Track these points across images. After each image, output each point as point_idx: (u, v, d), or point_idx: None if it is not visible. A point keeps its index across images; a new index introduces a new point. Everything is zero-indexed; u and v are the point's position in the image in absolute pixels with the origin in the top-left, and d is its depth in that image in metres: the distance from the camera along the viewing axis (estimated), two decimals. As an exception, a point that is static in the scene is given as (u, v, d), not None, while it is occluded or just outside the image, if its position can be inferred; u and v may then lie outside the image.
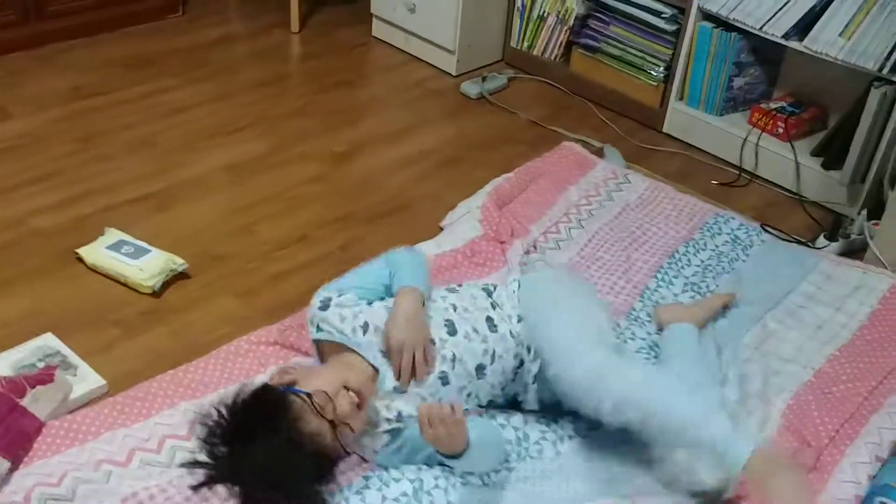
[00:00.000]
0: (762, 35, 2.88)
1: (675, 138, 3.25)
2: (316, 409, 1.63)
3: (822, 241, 2.66)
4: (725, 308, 2.31)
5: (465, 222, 2.58)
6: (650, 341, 2.20)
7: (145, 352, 2.14)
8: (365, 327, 1.83)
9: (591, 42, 3.41)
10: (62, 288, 2.32)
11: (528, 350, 1.89)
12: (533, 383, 1.88)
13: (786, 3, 2.83)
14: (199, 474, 1.62)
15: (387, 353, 1.80)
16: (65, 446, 1.79)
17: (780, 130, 2.99)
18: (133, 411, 1.89)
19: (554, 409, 1.95)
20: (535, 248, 2.50)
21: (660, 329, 2.21)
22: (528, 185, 2.77)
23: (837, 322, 2.31)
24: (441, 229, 2.62)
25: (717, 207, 2.74)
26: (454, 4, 3.43)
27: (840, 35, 2.70)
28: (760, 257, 2.54)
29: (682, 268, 2.48)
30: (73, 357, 2.06)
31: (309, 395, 1.64)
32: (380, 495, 1.72)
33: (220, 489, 1.66)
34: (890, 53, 2.62)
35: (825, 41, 2.73)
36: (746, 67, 3.08)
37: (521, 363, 1.91)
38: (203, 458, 1.61)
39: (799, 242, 2.66)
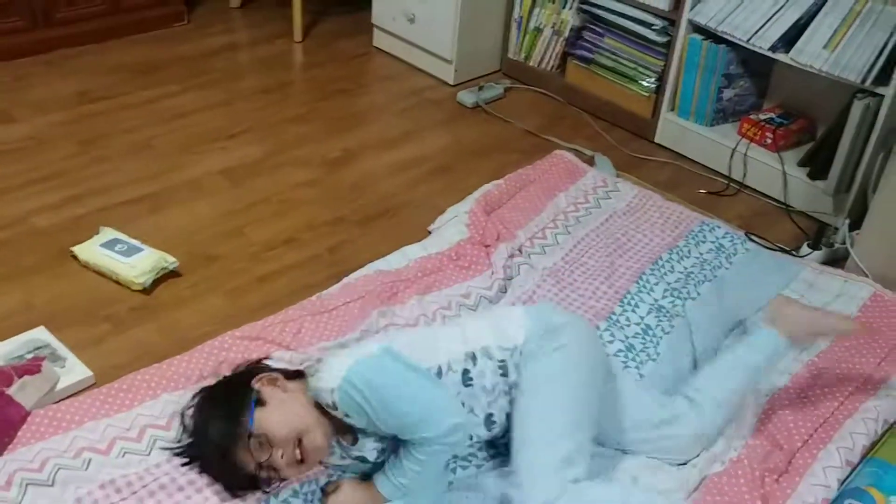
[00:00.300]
0: (750, 47, 2.92)
1: (667, 148, 3.29)
2: (249, 447, 1.63)
3: (805, 249, 2.69)
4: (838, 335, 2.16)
5: (452, 226, 2.63)
6: (627, 344, 2.24)
7: (133, 346, 2.20)
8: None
9: (585, 53, 3.46)
10: (56, 284, 2.39)
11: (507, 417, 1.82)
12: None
13: (772, 16, 2.87)
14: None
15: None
16: (48, 434, 1.84)
17: (769, 141, 3.03)
18: (116, 402, 1.93)
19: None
20: (520, 252, 2.54)
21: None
22: (518, 192, 2.82)
23: (817, 329, 2.34)
24: (429, 233, 2.67)
25: (703, 216, 2.77)
26: (452, 16, 3.49)
27: (824, 47, 2.74)
28: (744, 265, 2.56)
29: (665, 274, 2.51)
30: (62, 349, 2.12)
31: (250, 434, 1.63)
32: None
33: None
34: (872, 65, 2.65)
35: (810, 53, 2.77)
36: (736, 79, 3.12)
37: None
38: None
39: (783, 251, 2.69)
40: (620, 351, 2.22)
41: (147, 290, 2.38)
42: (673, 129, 3.26)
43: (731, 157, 3.08)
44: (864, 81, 2.67)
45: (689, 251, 2.61)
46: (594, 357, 1.88)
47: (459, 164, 3.13)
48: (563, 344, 1.80)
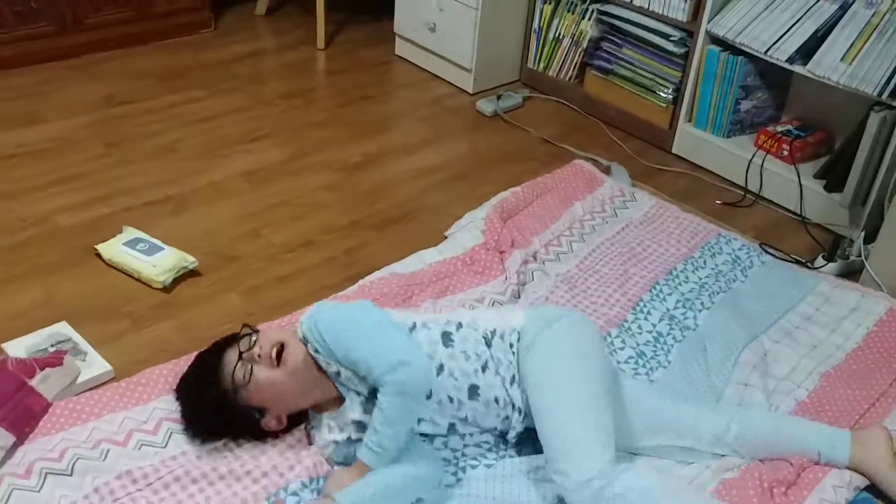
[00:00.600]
0: (767, 59, 2.94)
1: (684, 159, 3.31)
2: (238, 342, 1.82)
3: (820, 261, 2.69)
4: None
5: (467, 231, 2.66)
6: (638, 350, 2.26)
7: (152, 342, 2.25)
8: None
9: (604, 64, 3.49)
10: (80, 281, 2.44)
11: (519, 412, 1.88)
12: (514, 435, 1.92)
13: (790, 29, 2.88)
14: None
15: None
16: (68, 425, 1.89)
17: (786, 153, 3.04)
18: (135, 395, 1.98)
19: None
20: (534, 258, 2.56)
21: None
22: (535, 200, 2.85)
23: (833, 343, 2.34)
24: (445, 238, 2.71)
25: (720, 227, 2.78)
26: (472, 25, 3.53)
27: (841, 60, 2.75)
28: (759, 278, 2.57)
29: (679, 284, 2.52)
30: (83, 344, 2.17)
31: (244, 326, 1.88)
32: None
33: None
34: (889, 78, 2.66)
35: (828, 66, 2.78)
36: (754, 91, 3.14)
37: (507, 417, 1.90)
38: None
39: (798, 262, 2.70)
40: (631, 358, 2.24)
41: (167, 289, 2.43)
42: (690, 140, 3.28)
43: (748, 168, 3.09)
44: (881, 94, 2.68)
45: (704, 262, 2.62)
46: (592, 336, 1.96)
47: (477, 172, 3.16)
48: (562, 314, 1.95)
